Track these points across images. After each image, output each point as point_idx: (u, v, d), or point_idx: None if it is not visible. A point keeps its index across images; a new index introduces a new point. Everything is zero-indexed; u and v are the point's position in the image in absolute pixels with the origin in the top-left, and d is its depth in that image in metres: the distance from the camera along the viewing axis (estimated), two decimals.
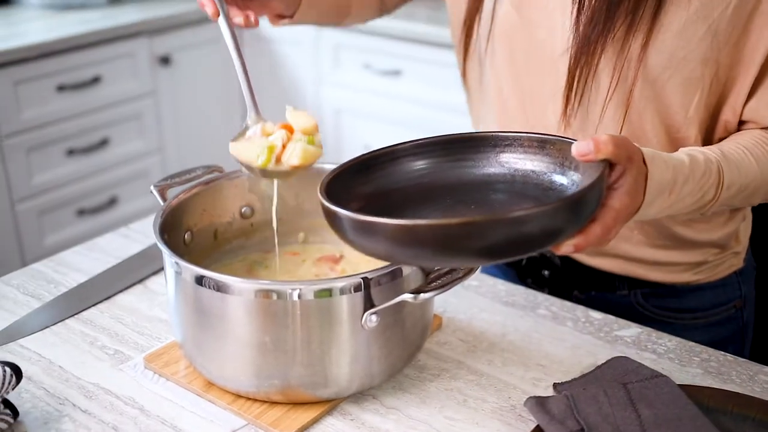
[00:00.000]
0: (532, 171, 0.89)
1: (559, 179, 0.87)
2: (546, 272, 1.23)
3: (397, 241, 0.73)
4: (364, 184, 0.90)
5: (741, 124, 1.03)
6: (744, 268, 1.21)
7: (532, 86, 1.07)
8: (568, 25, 1.00)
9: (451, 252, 0.73)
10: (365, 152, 0.91)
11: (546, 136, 0.88)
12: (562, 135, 0.89)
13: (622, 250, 1.15)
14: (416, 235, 0.72)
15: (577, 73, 0.99)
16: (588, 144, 0.81)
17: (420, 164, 0.92)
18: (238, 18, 1.09)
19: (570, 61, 1.00)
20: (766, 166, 0.97)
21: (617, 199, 0.82)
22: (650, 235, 1.13)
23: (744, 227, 1.18)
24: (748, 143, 0.98)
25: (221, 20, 1.04)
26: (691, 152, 0.92)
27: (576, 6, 0.98)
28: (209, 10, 1.04)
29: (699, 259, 1.16)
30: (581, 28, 0.98)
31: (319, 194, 0.80)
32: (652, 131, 1.02)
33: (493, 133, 0.91)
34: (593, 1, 0.97)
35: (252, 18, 1.09)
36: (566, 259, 1.20)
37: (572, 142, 0.82)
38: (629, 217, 0.85)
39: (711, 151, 0.94)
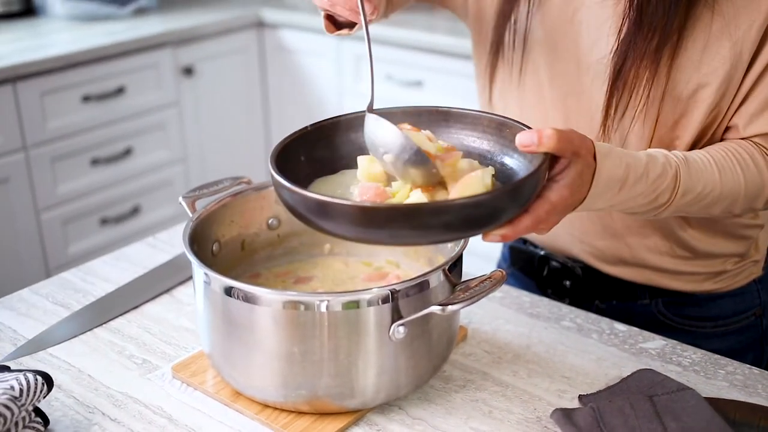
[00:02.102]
0: (487, 151, 0.91)
1: (510, 162, 0.89)
2: (567, 282, 1.23)
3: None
4: (323, 150, 0.92)
5: (724, 131, 1.03)
6: (763, 276, 1.21)
7: (558, 108, 1.08)
8: (599, 43, 1.01)
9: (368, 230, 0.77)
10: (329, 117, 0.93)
11: (504, 120, 0.90)
12: (521, 121, 0.89)
13: (643, 259, 1.15)
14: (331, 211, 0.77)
15: (616, 90, 1.00)
16: (531, 136, 0.81)
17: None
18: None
19: (609, 79, 1.00)
20: (730, 179, 0.97)
21: (556, 192, 0.83)
22: (671, 246, 1.13)
23: (763, 236, 1.18)
24: (718, 154, 0.98)
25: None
26: (653, 152, 0.93)
27: (618, 22, 0.99)
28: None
29: (719, 268, 1.16)
30: (619, 45, 0.98)
31: (270, 168, 0.83)
32: (681, 146, 1.02)
33: (455, 110, 0.94)
34: (629, 18, 0.97)
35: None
36: (588, 269, 1.20)
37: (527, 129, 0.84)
38: (568, 209, 0.85)
39: (674, 155, 0.94)
